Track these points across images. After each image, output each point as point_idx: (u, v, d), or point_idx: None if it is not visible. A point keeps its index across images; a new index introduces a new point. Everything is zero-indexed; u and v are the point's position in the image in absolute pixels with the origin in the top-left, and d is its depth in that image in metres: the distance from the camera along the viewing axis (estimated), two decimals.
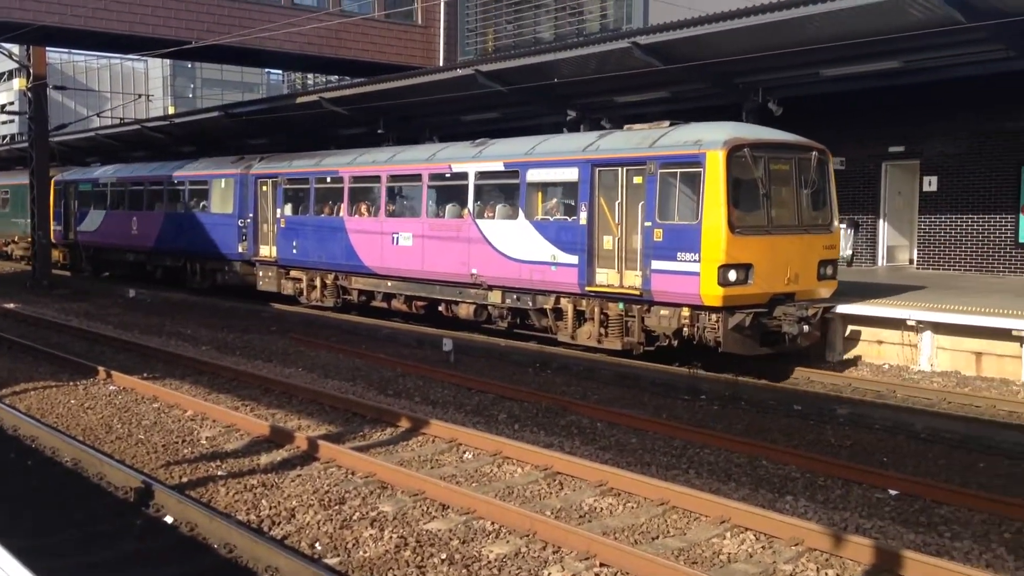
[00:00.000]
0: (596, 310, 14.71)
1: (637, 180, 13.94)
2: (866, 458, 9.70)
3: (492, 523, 7.58)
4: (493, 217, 16.57)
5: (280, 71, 66.32)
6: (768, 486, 8.75)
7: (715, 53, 17.26)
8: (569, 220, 15.05)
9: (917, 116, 20.20)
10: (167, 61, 76.57)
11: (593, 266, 14.50)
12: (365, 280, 19.74)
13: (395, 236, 18.39)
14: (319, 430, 10.59)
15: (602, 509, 8.11)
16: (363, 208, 19.73)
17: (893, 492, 8.51)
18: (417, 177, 18.17)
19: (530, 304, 15.95)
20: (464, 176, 16.97)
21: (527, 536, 7.27)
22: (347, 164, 20.18)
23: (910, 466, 9.43)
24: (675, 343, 13.85)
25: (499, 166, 16.42)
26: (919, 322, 13.83)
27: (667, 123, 14.46)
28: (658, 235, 13.48)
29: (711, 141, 13.09)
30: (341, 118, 26.64)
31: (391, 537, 7.29)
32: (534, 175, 15.66)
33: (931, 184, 21.07)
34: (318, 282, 21.07)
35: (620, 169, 14.21)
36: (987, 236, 20.37)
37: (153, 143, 36.64)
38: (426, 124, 26.00)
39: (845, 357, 14.77)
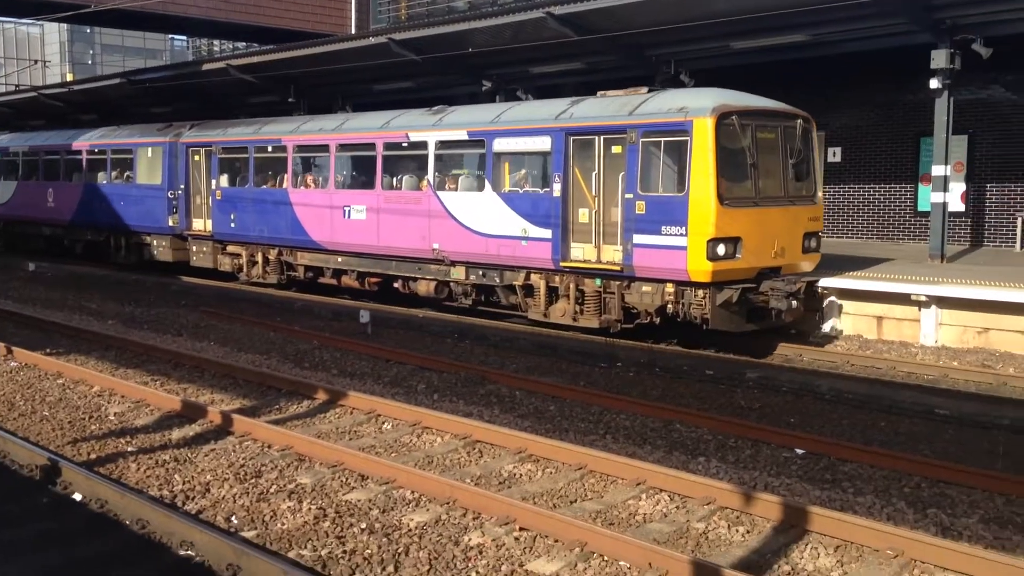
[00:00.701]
0: (571, 287, 14.09)
1: (616, 150, 13.31)
2: (774, 419, 10.03)
3: (412, 492, 7.59)
4: (456, 189, 15.82)
5: (184, 38, 64.22)
6: (682, 448, 8.98)
7: (628, 25, 17.39)
8: (541, 192, 14.42)
9: (823, 89, 20.74)
10: (64, 26, 73.27)
11: (568, 241, 13.87)
12: (313, 255, 18.82)
13: (347, 209, 17.46)
14: (233, 404, 10.40)
15: (521, 475, 8.19)
16: (309, 180, 18.78)
17: (800, 451, 8.83)
18: (370, 146, 17.17)
19: (497, 280, 15.28)
20: (423, 146, 16.11)
21: (447, 504, 7.31)
22: (291, 132, 19.02)
23: (816, 426, 9.79)
24: (657, 320, 13.40)
25: (462, 135, 15.62)
26: (824, 288, 14.30)
27: (644, 89, 13.96)
28: (640, 208, 12.89)
29: (698, 108, 12.53)
30: (250, 86, 25.98)
31: (310, 509, 7.24)
32: (501, 144, 14.88)
33: (835, 155, 21.71)
34: (260, 258, 20.05)
35: (597, 138, 13.55)
36: (888, 205, 21.15)
37: (51, 111, 35.12)
38: (338, 93, 25.56)
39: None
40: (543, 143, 14.19)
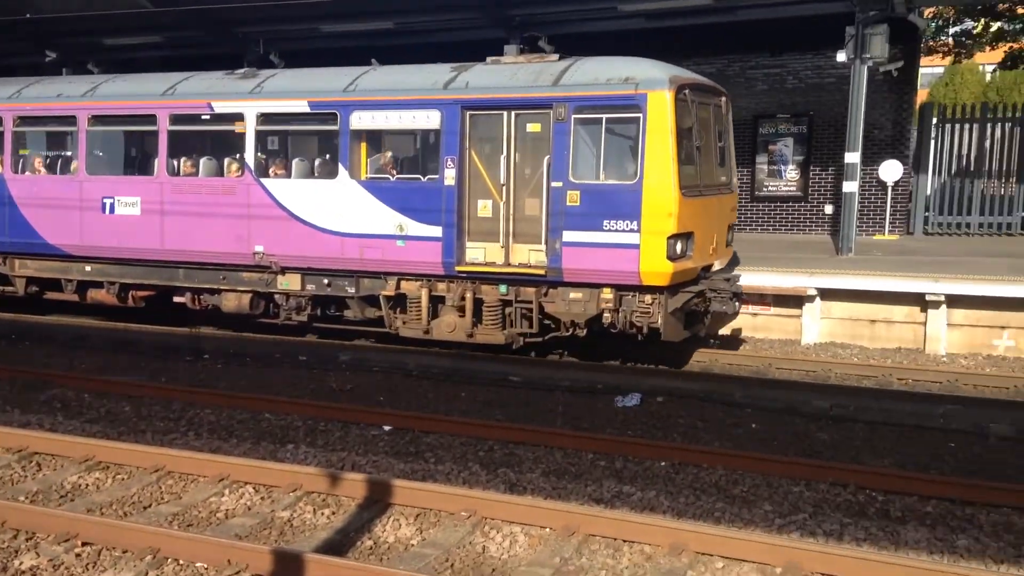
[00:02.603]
0: (468, 296, 11.54)
1: (533, 128, 11.07)
2: (365, 399, 10.19)
3: None
4: (287, 176, 12.51)
5: None
6: (270, 438, 8.78)
7: None
8: (424, 180, 11.70)
9: None
10: None
11: (463, 240, 11.37)
12: (43, 264, 14.09)
13: (108, 202, 13.14)
14: None
15: (88, 485, 7.47)
16: (37, 163, 14.17)
17: (387, 427, 9.06)
18: (147, 119, 13.04)
19: (351, 291, 12.25)
20: (236, 119, 12.48)
21: None
22: (6, 100, 14.11)
23: (403, 402, 10.11)
24: (583, 332, 11.44)
25: (300, 106, 12.23)
26: None
27: (555, 56, 11.71)
28: (573, 198, 10.74)
29: (650, 79, 10.55)
30: None
31: None
32: (363, 119, 11.77)
33: None
34: None
35: (506, 114, 11.07)
36: None
37: None
38: None
39: None
40: (428, 119, 11.48)
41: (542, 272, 10.98)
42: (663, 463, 7.98)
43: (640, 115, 10.46)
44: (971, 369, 11.68)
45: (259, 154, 12.56)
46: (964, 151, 18.77)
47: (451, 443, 8.64)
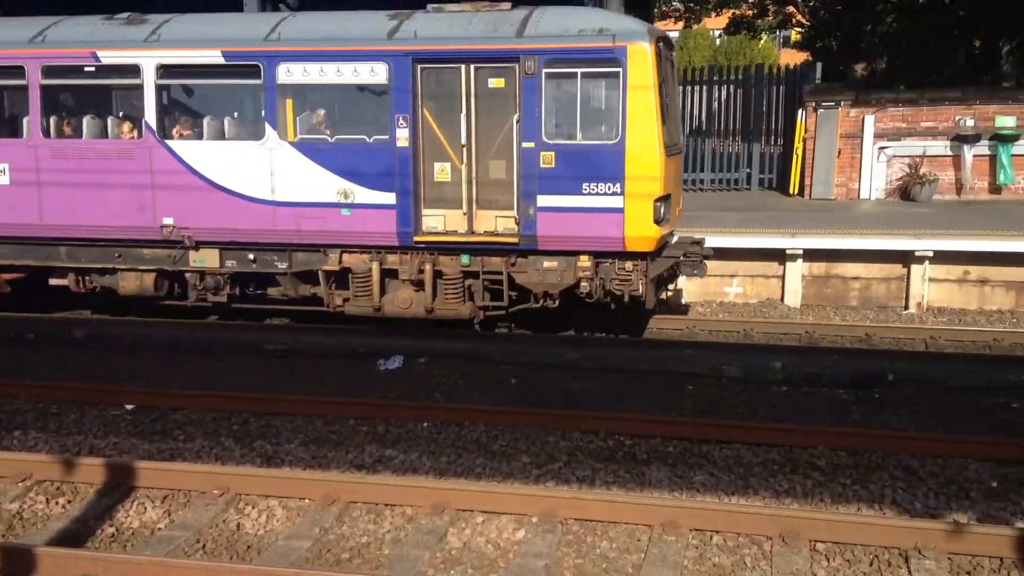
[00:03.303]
0: (428, 268, 10.50)
1: (495, 83, 10.12)
2: (108, 378, 9.47)
3: None
4: (198, 137, 10.93)
5: None
6: None
7: None
8: (370, 141, 10.47)
9: None
10: None
11: (419, 207, 10.33)
12: None
13: None
14: None
15: None
16: None
17: (130, 407, 8.46)
18: (14, 71, 10.96)
19: (283, 266, 10.86)
20: (130, 72, 10.71)
21: None
22: None
23: (146, 378, 9.46)
24: (555, 303, 10.60)
25: (213, 57, 10.58)
26: None
27: (507, 4, 10.57)
28: (547, 160, 9.96)
29: (630, 31, 9.89)
30: None
31: None
32: (293, 73, 10.37)
33: None
34: None
35: (464, 67, 10.07)
36: None
37: None
38: None
39: None
40: (373, 72, 10.31)
41: (514, 240, 10.20)
42: (425, 424, 8.02)
43: (620, 69, 9.81)
44: (707, 316, 12.64)
45: (162, 112, 10.86)
46: (695, 111, 20.18)
47: (202, 419, 8.21)
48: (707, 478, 6.82)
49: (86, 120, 11.09)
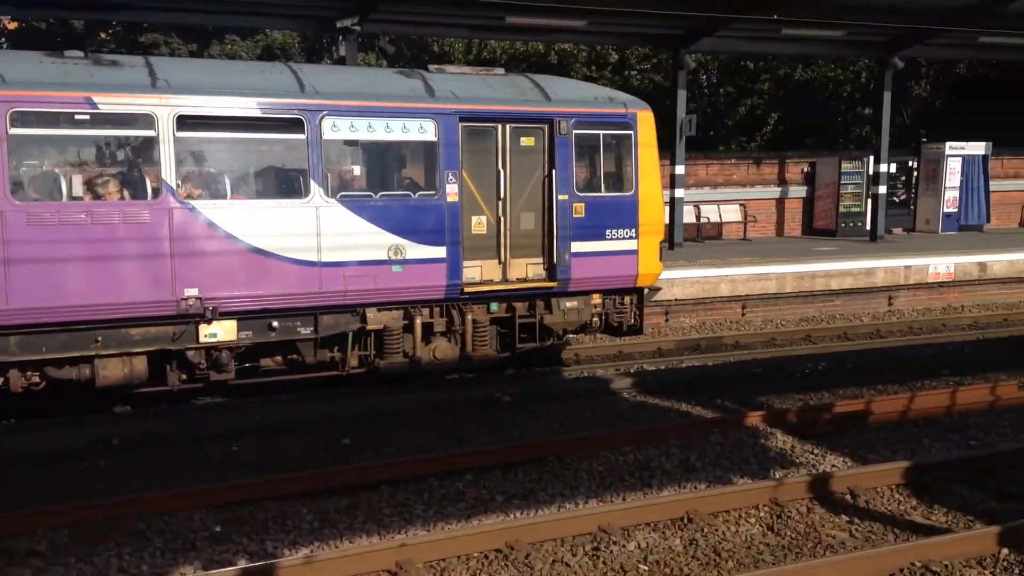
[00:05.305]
0: (469, 317, 11.25)
1: (526, 141, 11.29)
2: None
3: None
4: (221, 196, 9.99)
5: None
6: None
7: None
8: (415, 198, 10.74)
9: None
10: None
11: (461, 259, 11.03)
12: None
13: None
14: None
15: None
16: None
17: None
18: None
19: (306, 332, 10.38)
20: (143, 123, 9.46)
21: None
22: None
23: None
24: (568, 338, 12.76)
25: (247, 108, 9.86)
26: None
27: (500, 70, 12.34)
28: (579, 210, 11.52)
29: (634, 101, 12.17)
30: None
31: None
32: (339, 128, 10.26)
33: None
34: None
35: (500, 127, 11.10)
36: None
37: None
38: None
39: None
40: (422, 129, 10.62)
41: (552, 284, 11.47)
42: None
43: (631, 132, 11.81)
44: None
45: (182, 168, 9.73)
46: None
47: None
48: None
49: (75, 179, 9.52)
